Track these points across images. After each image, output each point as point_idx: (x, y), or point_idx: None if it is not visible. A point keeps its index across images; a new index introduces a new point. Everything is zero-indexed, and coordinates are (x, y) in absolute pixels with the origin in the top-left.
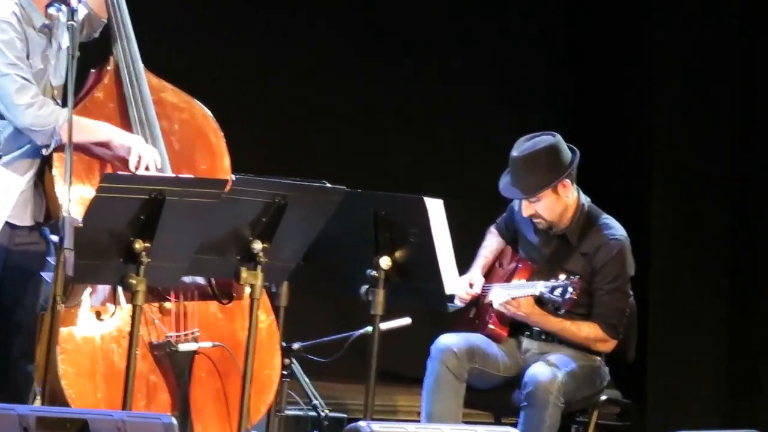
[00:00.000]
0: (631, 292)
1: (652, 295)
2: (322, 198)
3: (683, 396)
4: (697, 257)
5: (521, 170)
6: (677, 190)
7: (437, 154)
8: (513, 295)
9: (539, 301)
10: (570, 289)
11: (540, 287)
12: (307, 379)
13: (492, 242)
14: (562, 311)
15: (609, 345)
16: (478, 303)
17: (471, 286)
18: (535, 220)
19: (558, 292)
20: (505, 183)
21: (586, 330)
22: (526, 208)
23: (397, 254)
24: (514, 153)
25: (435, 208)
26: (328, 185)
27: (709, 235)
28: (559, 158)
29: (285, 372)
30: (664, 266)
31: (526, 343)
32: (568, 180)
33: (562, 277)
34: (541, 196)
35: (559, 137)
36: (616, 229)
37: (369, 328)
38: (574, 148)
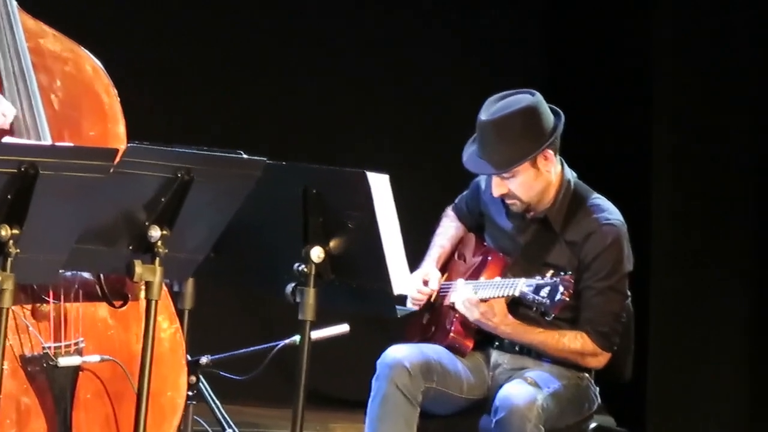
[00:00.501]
0: (629, 293)
1: (654, 297)
2: (238, 172)
3: (692, 423)
4: (710, 249)
5: (491, 138)
6: (685, 164)
7: (384, 119)
8: (483, 296)
9: (519, 304)
10: (561, 289)
11: (521, 286)
12: (218, 402)
13: (449, 228)
14: (551, 317)
15: (600, 360)
16: (435, 306)
17: (425, 284)
18: (508, 201)
19: (545, 292)
20: (470, 154)
21: (572, 341)
22: (498, 186)
23: (333, 244)
24: (483, 116)
25: (380, 186)
26: (245, 156)
27: (725, 221)
28: (539, 123)
29: (191, 393)
30: (667, 260)
31: (496, 356)
32: (550, 150)
33: (549, 273)
34: (516, 171)
35: (539, 96)
36: (610, 212)
37: (297, 338)
38: (558, 110)
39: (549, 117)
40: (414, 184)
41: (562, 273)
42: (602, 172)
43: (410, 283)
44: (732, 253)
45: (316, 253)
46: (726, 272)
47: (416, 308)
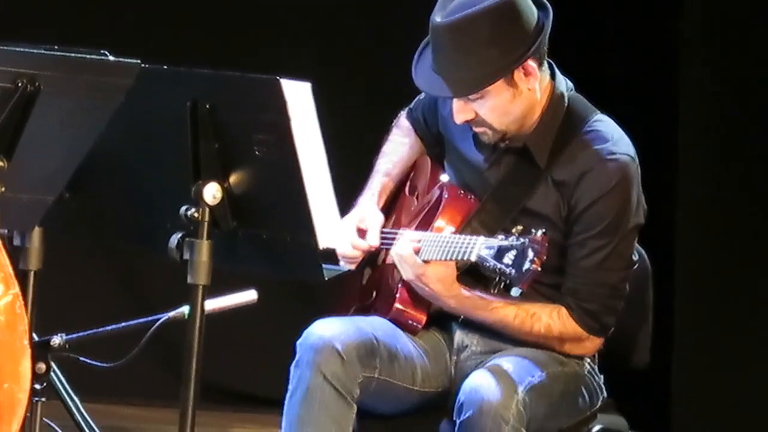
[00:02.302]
0: (636, 256)
1: (681, 260)
2: (102, 80)
3: (729, 425)
4: (758, 200)
5: (449, 48)
6: (714, 106)
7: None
8: (426, 256)
9: (476, 271)
10: (530, 254)
11: (478, 248)
12: (76, 399)
13: (401, 146)
14: (518, 291)
15: (587, 346)
16: (376, 263)
17: (362, 234)
18: (476, 130)
19: (509, 258)
20: (424, 70)
21: (545, 322)
22: (461, 112)
23: (233, 179)
24: (437, 17)
25: (299, 98)
26: (111, 58)
27: None
28: (516, 23)
29: (38, 386)
30: (700, 212)
31: (461, 335)
32: (532, 62)
33: (516, 230)
34: (485, 92)
35: None
36: (616, 141)
37: (185, 310)
38: (544, 1)
39: (530, 13)
40: (344, 96)
41: (534, 231)
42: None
43: (341, 234)
44: None
45: (211, 192)
46: None
47: (351, 268)
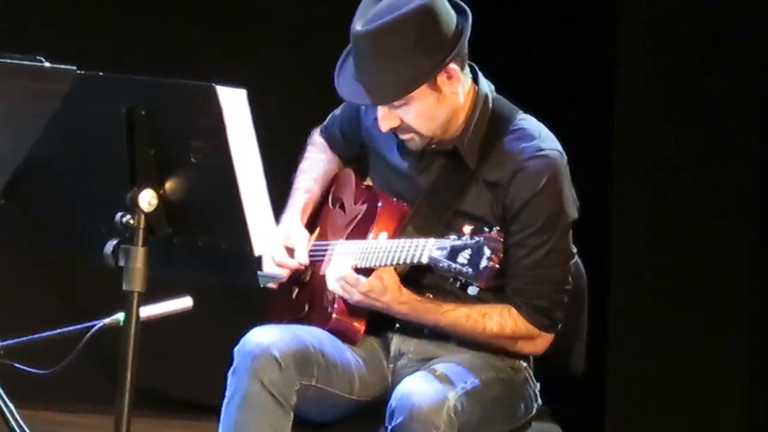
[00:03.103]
0: (575, 249)
1: (616, 259)
2: (37, 86)
3: (663, 430)
4: (699, 189)
5: (371, 56)
6: (651, 108)
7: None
8: (371, 264)
9: (426, 270)
10: (487, 252)
11: (429, 249)
12: (11, 406)
13: (317, 162)
14: (476, 291)
15: (539, 343)
16: (304, 277)
17: (290, 252)
18: (402, 137)
19: (465, 257)
20: (346, 79)
21: (497, 321)
22: (386, 119)
23: (169, 186)
24: (357, 26)
25: (235, 104)
26: (47, 64)
27: (721, 152)
28: (436, 27)
29: None
30: (636, 205)
31: (398, 342)
32: (454, 64)
33: (468, 229)
34: (409, 98)
35: None
36: (543, 137)
37: (120, 316)
38: (460, 4)
39: (449, 17)
40: (279, 102)
41: (486, 229)
42: (535, 96)
43: (268, 254)
44: (729, 196)
45: (147, 199)
46: (720, 223)
47: (282, 276)
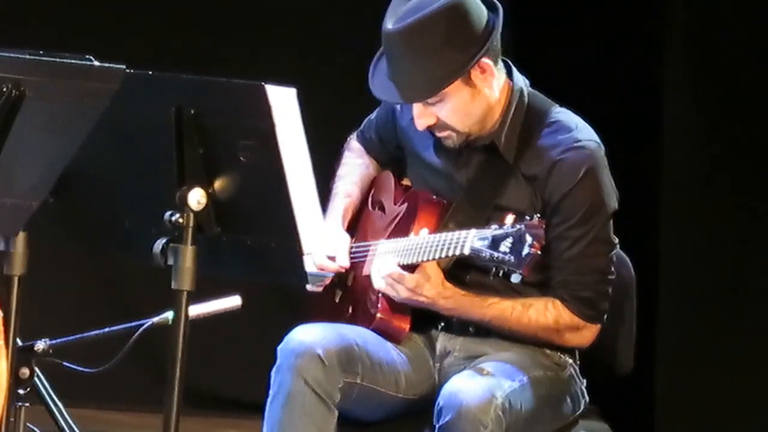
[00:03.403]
0: (616, 240)
1: (665, 256)
2: (87, 86)
3: (712, 430)
4: (750, 187)
5: (403, 54)
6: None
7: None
8: (414, 260)
9: (467, 266)
10: (528, 239)
11: (471, 240)
12: (60, 405)
13: (356, 167)
14: (519, 279)
15: (585, 335)
16: (347, 281)
17: (332, 259)
18: (439, 135)
19: (506, 245)
20: (380, 79)
21: (542, 313)
22: (422, 117)
23: (218, 185)
24: (388, 24)
25: (284, 103)
26: (97, 63)
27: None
28: (467, 23)
29: (22, 391)
30: (686, 202)
31: (444, 341)
32: (487, 59)
33: (509, 219)
34: (444, 94)
35: None
36: (579, 129)
37: (169, 315)
38: (494, 1)
39: (480, 13)
40: (330, 102)
41: (527, 217)
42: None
43: (312, 256)
44: None
45: (196, 198)
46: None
47: (331, 274)
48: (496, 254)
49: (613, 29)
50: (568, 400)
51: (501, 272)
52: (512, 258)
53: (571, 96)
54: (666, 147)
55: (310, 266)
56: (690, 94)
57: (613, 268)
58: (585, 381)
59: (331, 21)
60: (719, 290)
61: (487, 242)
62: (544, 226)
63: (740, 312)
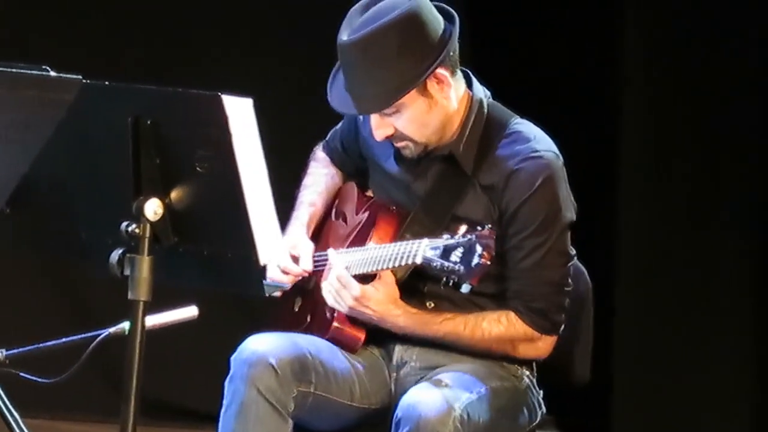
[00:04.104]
0: (573, 251)
1: (623, 266)
2: (43, 96)
3: None
4: (702, 198)
5: (359, 65)
6: (655, 117)
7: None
8: (365, 270)
9: (421, 277)
10: (478, 249)
11: (423, 250)
12: (16, 415)
13: (320, 177)
14: (468, 289)
15: (540, 347)
16: (307, 289)
17: (295, 260)
18: (397, 145)
19: (457, 255)
20: (338, 90)
21: (495, 325)
22: (380, 127)
23: (175, 195)
24: (344, 36)
25: (241, 114)
26: (53, 73)
27: (724, 163)
28: (423, 33)
29: None
30: (641, 213)
31: (401, 351)
32: (443, 70)
33: (462, 229)
34: (400, 105)
35: None
36: (538, 139)
37: (126, 325)
38: (448, 9)
39: (435, 23)
40: (283, 112)
41: (479, 228)
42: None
43: (273, 262)
44: (735, 202)
45: (152, 208)
46: (726, 229)
47: (287, 285)
48: (446, 264)
49: (573, 38)
50: (525, 410)
51: (451, 282)
52: (462, 268)
53: (528, 105)
54: (624, 157)
55: (273, 270)
56: (647, 106)
57: (569, 280)
58: (542, 392)
59: (287, 31)
60: (677, 300)
61: (438, 252)
62: (494, 237)
63: (698, 322)
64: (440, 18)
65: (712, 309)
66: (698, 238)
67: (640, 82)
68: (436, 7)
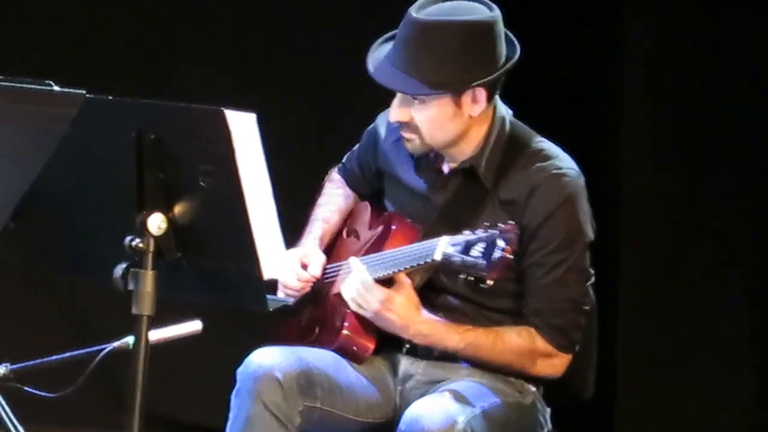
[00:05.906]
0: (592, 270)
1: (625, 285)
2: (46, 111)
3: None
4: (701, 220)
5: (415, 43)
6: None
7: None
8: (384, 273)
9: (434, 287)
10: (500, 243)
11: (443, 246)
12: (20, 428)
13: (335, 197)
14: (488, 284)
15: (557, 363)
16: (319, 298)
17: (304, 267)
18: (403, 133)
19: (478, 249)
20: (377, 57)
21: (516, 340)
22: (399, 108)
23: (178, 210)
24: (414, 13)
25: (244, 129)
26: (56, 88)
27: (723, 182)
28: (487, 48)
29: None
30: (644, 233)
31: (407, 364)
32: (484, 90)
33: (482, 226)
34: (428, 100)
35: (497, 15)
36: (561, 158)
37: (130, 340)
38: (514, 40)
39: (502, 44)
40: (288, 127)
41: (500, 223)
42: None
43: (286, 266)
44: (738, 222)
45: (156, 223)
46: (730, 248)
47: (292, 300)
48: (467, 259)
49: (573, 38)
50: (530, 426)
51: (472, 278)
52: (483, 262)
53: (529, 106)
54: (624, 170)
55: (285, 275)
56: (650, 114)
57: (587, 299)
58: (549, 409)
59: (292, 45)
60: (681, 315)
61: (459, 248)
62: (517, 231)
63: (703, 337)
64: (508, 43)
65: (721, 327)
66: (707, 251)
67: (641, 86)
68: (506, 32)
